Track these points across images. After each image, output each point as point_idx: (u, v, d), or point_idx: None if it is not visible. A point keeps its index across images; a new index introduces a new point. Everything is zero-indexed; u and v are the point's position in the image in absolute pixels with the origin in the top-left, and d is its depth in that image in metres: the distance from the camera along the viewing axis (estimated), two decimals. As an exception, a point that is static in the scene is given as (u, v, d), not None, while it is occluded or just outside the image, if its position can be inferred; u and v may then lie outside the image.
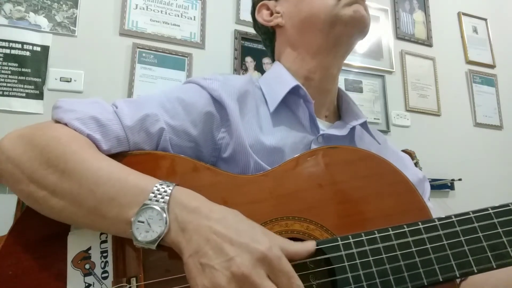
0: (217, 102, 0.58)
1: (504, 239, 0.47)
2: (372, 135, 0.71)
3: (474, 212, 0.48)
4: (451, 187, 1.98)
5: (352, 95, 1.96)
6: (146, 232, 0.41)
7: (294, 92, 0.64)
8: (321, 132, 0.63)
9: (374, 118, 1.98)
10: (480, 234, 0.47)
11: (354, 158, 0.53)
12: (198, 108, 0.57)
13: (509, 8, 2.55)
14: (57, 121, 0.51)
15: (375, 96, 2.02)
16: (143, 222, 0.41)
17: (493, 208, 0.48)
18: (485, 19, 2.43)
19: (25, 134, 0.48)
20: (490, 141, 2.22)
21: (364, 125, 0.69)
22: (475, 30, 2.39)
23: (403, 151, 1.72)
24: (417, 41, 2.20)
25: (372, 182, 0.52)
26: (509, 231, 0.47)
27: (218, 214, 0.42)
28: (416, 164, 1.67)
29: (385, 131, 1.98)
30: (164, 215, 0.41)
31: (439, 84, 2.17)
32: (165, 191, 0.43)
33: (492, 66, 2.37)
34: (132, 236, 0.41)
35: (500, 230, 0.47)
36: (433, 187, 1.91)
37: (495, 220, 0.48)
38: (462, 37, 2.35)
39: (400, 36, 2.16)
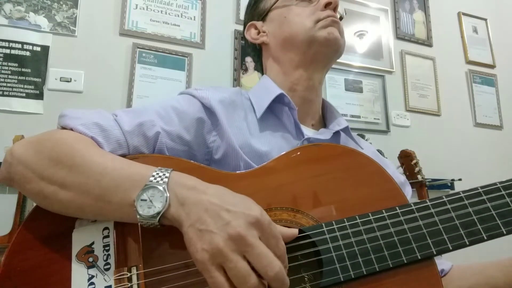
0: (207, 109, 0.65)
1: (475, 217, 0.51)
2: (355, 141, 0.76)
3: (446, 196, 0.53)
4: (451, 187, 1.98)
5: (352, 95, 1.97)
6: (148, 208, 0.45)
7: (279, 100, 0.70)
8: (306, 136, 0.68)
9: (374, 118, 1.98)
10: (453, 214, 0.51)
11: (335, 153, 0.58)
12: (190, 115, 0.63)
13: (509, 8, 2.55)
14: (63, 128, 0.56)
15: (375, 96, 2.02)
16: (145, 200, 0.45)
17: (464, 191, 0.53)
18: (485, 19, 2.44)
19: (34, 139, 0.53)
20: (490, 141, 2.22)
21: (346, 131, 0.74)
22: (475, 30, 2.40)
23: (403, 151, 1.74)
24: (417, 41, 2.20)
25: (352, 174, 0.56)
26: (478, 211, 0.51)
27: (213, 190, 0.47)
28: (416, 164, 1.67)
29: (385, 131, 1.98)
30: (165, 194, 0.45)
31: (439, 84, 2.17)
32: (164, 174, 0.47)
33: (492, 66, 2.37)
34: (136, 213, 0.45)
35: (470, 209, 0.52)
36: (433, 187, 1.91)
37: (466, 202, 0.52)
38: (462, 37, 2.35)
39: (400, 36, 2.16)
